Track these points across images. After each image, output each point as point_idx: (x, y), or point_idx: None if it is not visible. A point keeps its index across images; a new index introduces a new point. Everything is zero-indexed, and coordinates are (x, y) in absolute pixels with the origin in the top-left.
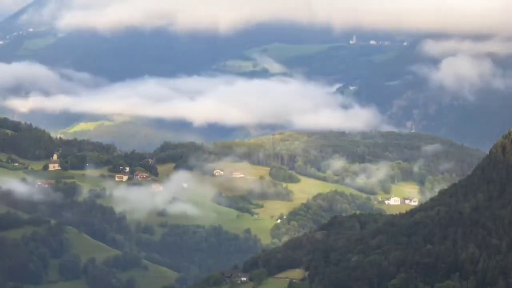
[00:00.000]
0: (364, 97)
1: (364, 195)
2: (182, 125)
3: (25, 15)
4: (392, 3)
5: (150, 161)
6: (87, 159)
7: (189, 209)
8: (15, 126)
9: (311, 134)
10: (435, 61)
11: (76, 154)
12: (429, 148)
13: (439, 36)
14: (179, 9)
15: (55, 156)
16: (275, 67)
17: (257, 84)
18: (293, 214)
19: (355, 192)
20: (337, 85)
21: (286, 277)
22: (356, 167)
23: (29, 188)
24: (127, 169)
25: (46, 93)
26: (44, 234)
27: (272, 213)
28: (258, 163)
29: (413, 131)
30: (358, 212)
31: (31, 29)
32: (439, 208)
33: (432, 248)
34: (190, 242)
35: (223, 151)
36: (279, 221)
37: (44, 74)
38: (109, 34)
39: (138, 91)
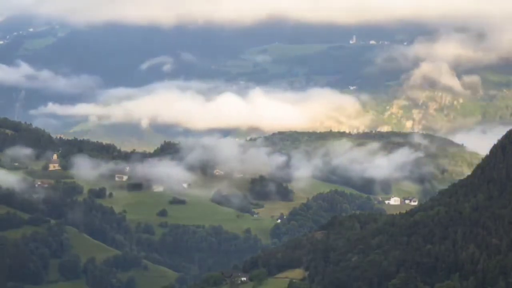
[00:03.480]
0: (364, 97)
1: (364, 195)
2: (181, 125)
3: (25, 15)
4: (392, 3)
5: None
6: (87, 159)
7: (189, 209)
8: (15, 126)
9: (311, 134)
10: (435, 61)
11: (76, 154)
12: (428, 148)
13: (439, 36)
14: (179, 9)
15: (55, 156)
16: (275, 67)
17: (257, 85)
18: (293, 214)
19: (355, 192)
20: (337, 85)
21: (286, 277)
22: (355, 167)
23: (29, 188)
24: (127, 169)
25: (46, 93)
26: (44, 234)
27: (272, 213)
28: (258, 163)
29: (413, 131)
30: (358, 212)
31: (31, 29)
32: (439, 208)
33: (432, 248)
34: (190, 242)
35: (223, 151)
36: (279, 221)
37: (44, 74)
38: (110, 34)
39: (139, 91)
